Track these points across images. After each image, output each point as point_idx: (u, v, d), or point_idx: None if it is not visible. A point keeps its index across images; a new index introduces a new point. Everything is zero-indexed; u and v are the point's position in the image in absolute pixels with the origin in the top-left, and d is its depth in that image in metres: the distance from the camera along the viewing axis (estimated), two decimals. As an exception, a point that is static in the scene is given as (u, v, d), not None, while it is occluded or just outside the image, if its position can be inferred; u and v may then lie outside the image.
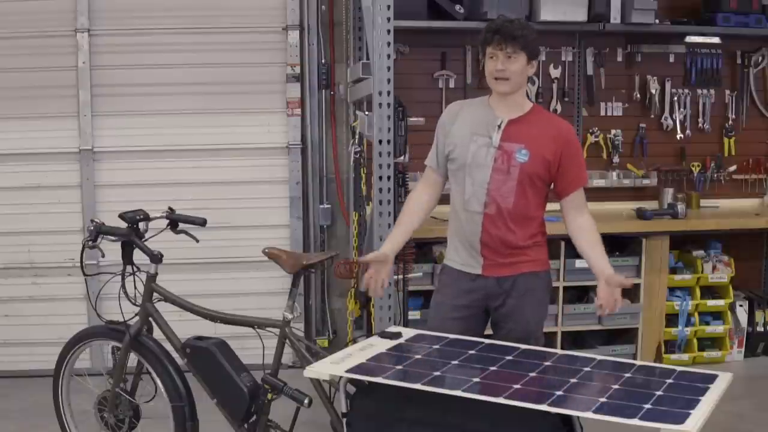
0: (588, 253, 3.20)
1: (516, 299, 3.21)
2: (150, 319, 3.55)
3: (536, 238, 3.25)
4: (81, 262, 3.57)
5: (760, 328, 5.60)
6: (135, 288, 3.51)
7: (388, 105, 4.18)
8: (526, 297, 3.22)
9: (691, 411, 2.27)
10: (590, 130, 5.66)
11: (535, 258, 3.25)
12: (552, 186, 3.24)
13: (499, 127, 3.16)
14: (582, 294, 5.31)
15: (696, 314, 5.45)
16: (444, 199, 5.60)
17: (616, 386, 2.49)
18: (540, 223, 3.27)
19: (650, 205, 5.57)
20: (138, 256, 3.52)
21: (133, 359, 3.57)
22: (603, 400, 2.37)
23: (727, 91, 5.82)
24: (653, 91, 5.71)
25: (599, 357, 2.77)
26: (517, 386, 2.47)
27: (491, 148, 3.15)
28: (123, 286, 3.50)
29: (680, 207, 5.37)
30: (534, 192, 3.17)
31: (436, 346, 2.90)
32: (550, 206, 3.31)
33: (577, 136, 3.33)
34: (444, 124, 3.32)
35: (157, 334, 3.57)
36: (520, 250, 3.20)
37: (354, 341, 3.06)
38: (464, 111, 3.29)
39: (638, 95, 5.73)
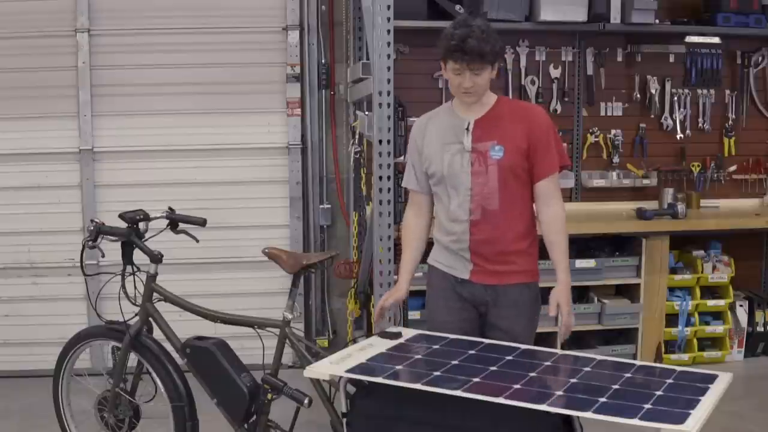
0: (550, 256, 3.12)
1: (504, 310, 3.14)
2: (150, 319, 3.55)
3: (528, 240, 3.15)
4: (81, 262, 3.57)
5: (760, 328, 5.60)
6: (135, 288, 3.51)
7: (388, 105, 4.18)
8: (515, 310, 3.14)
9: (691, 411, 2.27)
10: (590, 130, 5.66)
11: (524, 269, 3.16)
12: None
13: (468, 129, 3.09)
14: (582, 294, 5.31)
15: (696, 314, 5.45)
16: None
17: (616, 386, 2.48)
18: (530, 219, 3.17)
19: (650, 205, 5.57)
20: (138, 256, 3.52)
21: (133, 359, 3.57)
22: (603, 400, 2.37)
23: (727, 91, 5.81)
24: (653, 91, 5.71)
25: (599, 357, 2.77)
26: (517, 386, 2.47)
27: (465, 153, 3.08)
28: (123, 286, 3.50)
29: (680, 207, 5.37)
30: (519, 187, 3.10)
31: (436, 346, 2.90)
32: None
33: (549, 119, 3.16)
34: (415, 142, 3.24)
35: (157, 334, 3.57)
36: (509, 257, 3.12)
37: (354, 341, 3.06)
38: (431, 124, 3.21)
39: (638, 95, 5.73)
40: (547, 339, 4.53)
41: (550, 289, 3.11)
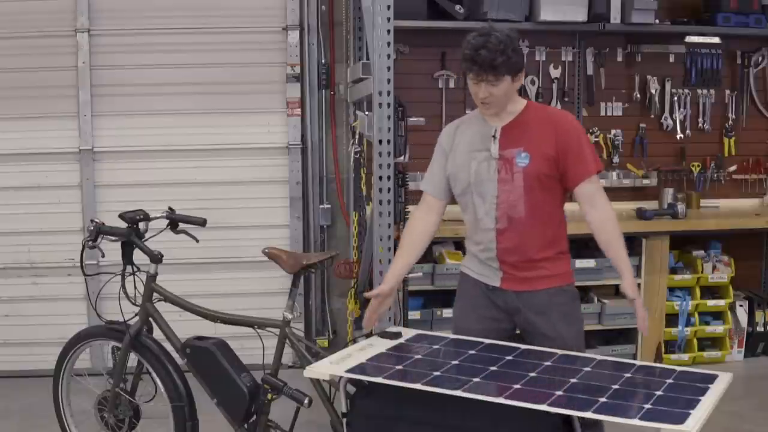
0: (608, 255, 3.07)
1: (540, 315, 3.04)
2: (150, 319, 3.55)
3: (556, 248, 3.08)
4: (81, 262, 3.57)
5: (760, 328, 5.60)
6: (135, 288, 3.51)
7: (388, 105, 4.18)
8: (553, 314, 3.04)
9: (691, 411, 2.27)
10: (590, 130, 5.66)
11: (556, 273, 3.07)
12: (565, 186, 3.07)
13: (495, 137, 3.03)
14: (582, 294, 5.31)
15: (696, 314, 5.45)
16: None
17: (616, 386, 2.49)
18: (558, 227, 3.09)
19: (650, 205, 5.57)
20: (138, 256, 3.52)
21: (133, 359, 3.57)
22: (603, 400, 2.37)
23: (727, 91, 5.81)
24: (653, 91, 5.71)
25: (599, 357, 2.77)
26: (517, 386, 2.47)
27: (492, 161, 3.01)
28: (123, 286, 3.50)
29: (680, 207, 5.37)
30: (545, 194, 3.01)
31: (436, 346, 2.91)
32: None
33: (578, 125, 3.09)
34: (442, 146, 3.18)
35: (157, 334, 3.57)
36: (539, 263, 3.04)
37: (354, 341, 3.06)
38: (460, 130, 3.15)
39: (638, 95, 5.73)
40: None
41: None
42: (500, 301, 3.10)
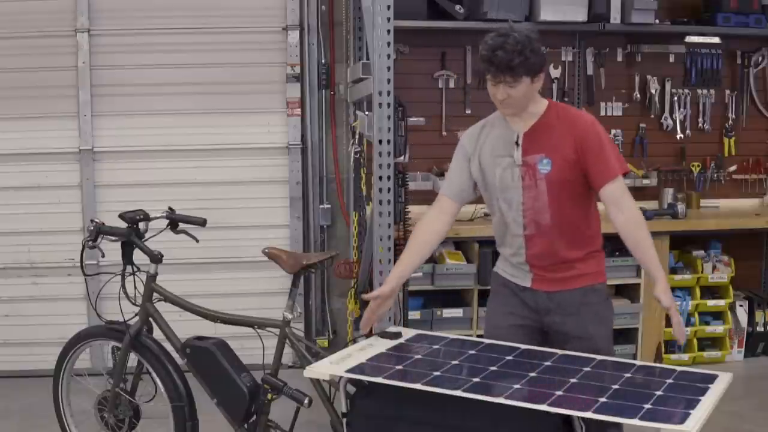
0: (637, 258, 2.99)
1: (571, 316, 3.00)
2: (150, 319, 3.55)
3: (588, 248, 3.04)
4: (81, 262, 3.58)
5: (760, 328, 5.60)
6: (135, 288, 3.51)
7: (388, 105, 4.18)
8: (584, 313, 3.00)
9: (691, 411, 2.27)
10: (590, 130, 5.65)
11: (588, 271, 3.03)
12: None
13: (517, 143, 2.97)
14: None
15: (696, 314, 5.45)
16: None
17: (616, 386, 2.48)
18: (588, 227, 3.04)
19: (650, 205, 5.57)
20: (138, 256, 3.52)
21: (133, 359, 3.57)
22: (603, 400, 2.37)
23: (727, 91, 5.82)
24: (653, 91, 5.71)
25: (599, 357, 2.77)
26: (518, 386, 2.47)
27: (515, 168, 2.96)
28: (123, 286, 3.50)
29: (680, 207, 5.37)
30: (571, 199, 2.96)
31: (436, 346, 2.90)
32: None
33: (599, 127, 2.99)
34: (464, 149, 3.11)
35: (157, 334, 3.57)
36: (570, 264, 3.01)
37: (354, 341, 3.06)
38: (483, 134, 3.08)
39: (638, 95, 5.73)
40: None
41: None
42: (531, 301, 3.06)
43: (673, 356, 5.35)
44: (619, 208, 2.93)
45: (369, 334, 3.12)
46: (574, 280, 3.02)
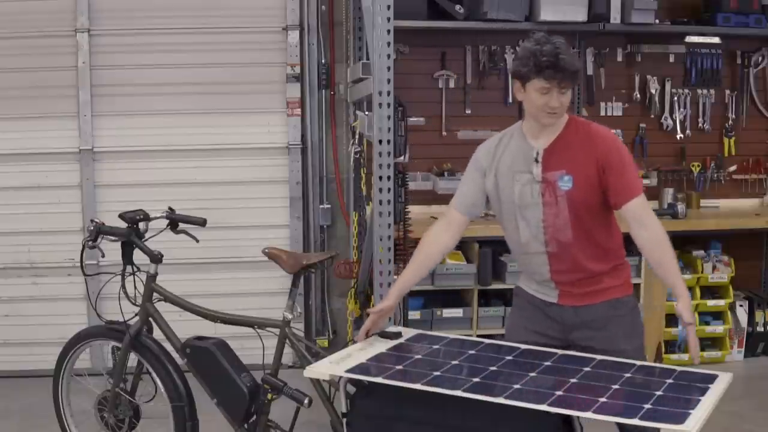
0: (659, 275, 2.93)
1: (599, 331, 2.93)
2: (150, 319, 3.55)
3: (613, 261, 2.99)
4: (81, 262, 3.58)
5: (760, 328, 5.60)
6: (135, 288, 3.51)
7: (388, 105, 4.18)
8: (613, 327, 2.93)
9: (691, 411, 2.27)
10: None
11: (614, 284, 2.98)
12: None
13: (537, 159, 2.90)
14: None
15: (696, 314, 5.45)
16: (446, 199, 5.57)
17: (616, 386, 2.48)
18: (610, 240, 2.98)
19: (650, 205, 5.53)
20: (138, 256, 3.52)
21: (133, 359, 3.57)
22: (603, 400, 2.37)
23: (727, 91, 5.82)
24: (653, 91, 5.71)
25: (599, 357, 2.77)
26: (518, 386, 2.47)
27: (535, 184, 2.89)
28: (123, 286, 3.50)
29: (680, 207, 5.37)
30: (592, 214, 2.90)
31: (436, 346, 2.90)
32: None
33: (621, 144, 2.94)
34: (479, 162, 3.03)
35: (157, 334, 3.57)
36: (597, 278, 2.94)
37: (354, 341, 3.05)
38: (500, 148, 2.99)
39: (638, 95, 5.73)
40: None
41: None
42: (557, 317, 2.99)
43: (673, 356, 5.35)
44: (643, 224, 2.88)
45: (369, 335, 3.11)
46: (601, 293, 2.95)
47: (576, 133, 2.92)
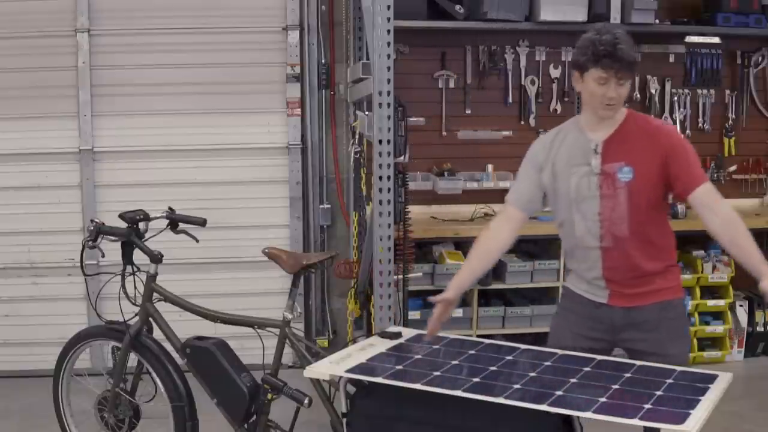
0: (737, 258, 2.83)
1: (650, 333, 2.89)
2: (150, 319, 3.55)
3: (665, 261, 2.95)
4: (81, 262, 3.58)
5: (760, 328, 5.60)
6: (135, 288, 3.51)
7: (388, 105, 4.18)
8: (662, 330, 2.89)
9: (691, 411, 2.27)
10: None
11: (666, 286, 2.93)
12: (671, 195, 2.93)
13: (596, 151, 2.86)
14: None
15: (696, 314, 5.45)
16: (446, 199, 5.54)
17: (616, 386, 2.49)
18: (664, 239, 2.96)
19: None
20: (138, 256, 3.52)
21: (133, 359, 3.57)
22: (603, 400, 2.37)
23: (727, 91, 5.82)
24: (653, 91, 5.71)
25: (599, 357, 2.77)
26: (517, 386, 2.47)
27: (593, 176, 2.86)
28: (123, 286, 3.50)
29: (680, 207, 5.36)
30: (650, 209, 2.87)
31: (436, 346, 2.90)
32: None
33: (683, 138, 2.93)
34: (536, 157, 3.00)
35: (157, 334, 3.57)
36: (649, 278, 2.90)
37: (354, 341, 3.06)
38: (557, 142, 2.97)
39: (638, 95, 5.73)
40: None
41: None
42: (606, 318, 2.94)
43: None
44: (712, 210, 2.82)
45: (369, 334, 3.11)
46: (652, 294, 2.91)
47: (635, 126, 2.90)
